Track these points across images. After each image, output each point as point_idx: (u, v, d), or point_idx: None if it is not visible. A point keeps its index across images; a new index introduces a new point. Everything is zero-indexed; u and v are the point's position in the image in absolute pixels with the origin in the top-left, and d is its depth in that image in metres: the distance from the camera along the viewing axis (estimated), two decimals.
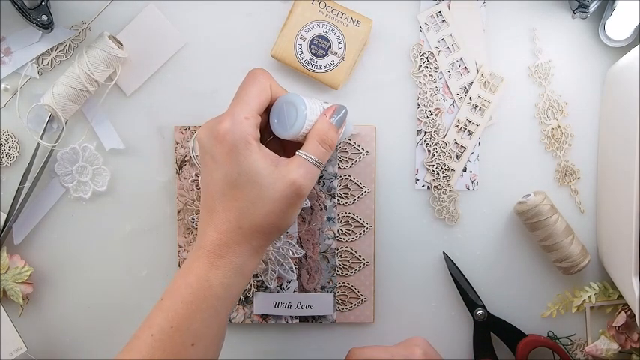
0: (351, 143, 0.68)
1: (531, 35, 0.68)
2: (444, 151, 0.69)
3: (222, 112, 0.64)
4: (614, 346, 0.68)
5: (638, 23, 0.65)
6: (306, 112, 0.55)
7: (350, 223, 0.69)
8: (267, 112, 0.57)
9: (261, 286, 0.69)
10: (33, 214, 0.69)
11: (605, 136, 0.67)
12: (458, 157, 0.69)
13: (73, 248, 0.70)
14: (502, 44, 0.68)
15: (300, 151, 0.55)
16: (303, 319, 0.70)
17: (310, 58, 0.67)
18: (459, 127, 0.69)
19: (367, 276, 0.69)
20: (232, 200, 0.53)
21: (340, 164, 0.68)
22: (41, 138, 0.67)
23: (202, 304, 0.52)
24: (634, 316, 0.66)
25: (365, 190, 0.69)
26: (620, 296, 0.68)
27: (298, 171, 0.53)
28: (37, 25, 0.64)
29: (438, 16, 0.68)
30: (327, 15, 0.66)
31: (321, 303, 0.69)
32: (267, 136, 0.58)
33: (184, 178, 0.69)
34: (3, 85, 0.68)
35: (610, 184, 0.65)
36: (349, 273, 0.69)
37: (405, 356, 0.59)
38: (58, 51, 0.68)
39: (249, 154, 0.52)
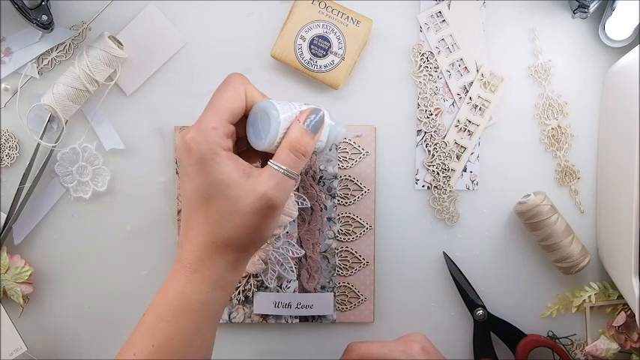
0: (351, 143, 0.68)
1: (531, 35, 0.68)
2: (444, 151, 0.69)
3: None
4: (614, 346, 0.68)
5: (638, 23, 0.65)
6: (279, 119, 0.52)
7: (350, 223, 0.69)
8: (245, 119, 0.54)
9: (261, 286, 0.69)
10: (33, 214, 0.69)
11: (605, 136, 0.67)
12: (458, 157, 0.69)
13: (73, 248, 0.70)
14: (502, 44, 0.68)
15: (271, 161, 0.52)
16: (303, 319, 0.70)
17: (310, 58, 0.67)
18: (459, 127, 0.69)
19: (367, 276, 0.69)
20: (204, 214, 0.51)
21: (340, 164, 0.68)
22: (41, 138, 0.67)
23: (182, 321, 0.50)
24: (634, 316, 0.66)
25: (365, 190, 0.69)
26: (620, 296, 0.68)
27: (268, 182, 0.50)
28: (37, 25, 0.64)
29: (438, 16, 0.68)
30: (327, 15, 0.66)
31: (321, 303, 0.69)
32: (245, 145, 0.55)
33: None
34: (3, 85, 0.68)
35: (610, 184, 0.65)
36: (349, 273, 0.69)
37: (403, 351, 0.59)
38: (58, 51, 0.68)
39: (217, 166, 0.50)
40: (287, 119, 0.53)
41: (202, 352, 0.52)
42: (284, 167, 0.51)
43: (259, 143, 0.53)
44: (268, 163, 0.52)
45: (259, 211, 0.50)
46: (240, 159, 0.52)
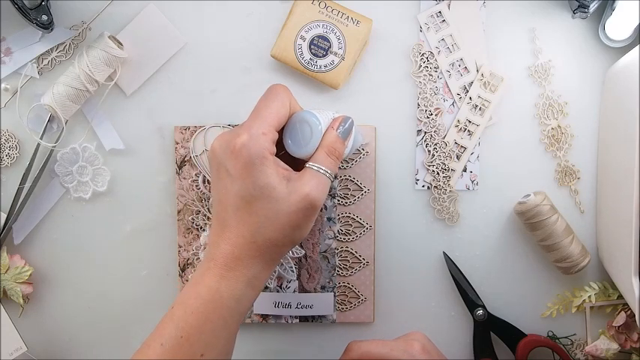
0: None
1: (531, 35, 0.68)
2: (444, 151, 0.69)
3: (222, 111, 0.64)
4: (614, 346, 0.68)
5: (638, 23, 0.65)
6: (320, 127, 0.56)
7: (350, 223, 0.69)
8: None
9: None
10: (33, 214, 0.69)
11: (605, 136, 0.67)
12: (458, 157, 0.69)
13: (73, 248, 0.70)
14: (502, 44, 0.68)
15: (310, 163, 0.55)
16: (303, 319, 0.70)
17: (310, 58, 0.67)
18: (459, 127, 0.69)
19: (367, 276, 0.69)
20: (247, 214, 0.53)
21: (340, 164, 0.68)
22: (41, 138, 0.67)
23: (212, 315, 0.52)
24: (634, 316, 0.66)
25: (365, 190, 0.69)
26: (620, 296, 0.68)
27: (310, 183, 0.53)
28: (37, 25, 0.64)
29: (438, 16, 0.68)
30: (327, 15, 0.66)
31: (321, 303, 0.69)
32: (277, 151, 0.58)
33: (184, 178, 0.69)
34: (3, 85, 0.68)
35: (610, 183, 0.65)
36: (349, 273, 0.69)
37: (404, 350, 0.59)
38: (58, 51, 0.68)
39: (265, 169, 0.52)
40: (324, 127, 0.57)
41: (228, 345, 0.54)
42: (323, 168, 0.55)
43: (299, 151, 0.56)
44: (307, 165, 0.55)
45: (302, 210, 0.53)
46: (282, 162, 0.54)
